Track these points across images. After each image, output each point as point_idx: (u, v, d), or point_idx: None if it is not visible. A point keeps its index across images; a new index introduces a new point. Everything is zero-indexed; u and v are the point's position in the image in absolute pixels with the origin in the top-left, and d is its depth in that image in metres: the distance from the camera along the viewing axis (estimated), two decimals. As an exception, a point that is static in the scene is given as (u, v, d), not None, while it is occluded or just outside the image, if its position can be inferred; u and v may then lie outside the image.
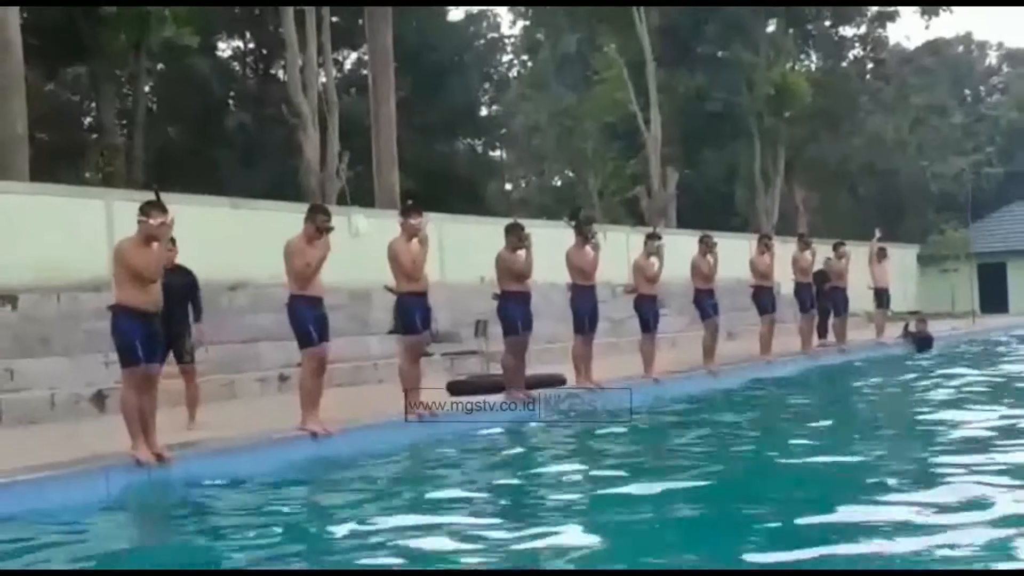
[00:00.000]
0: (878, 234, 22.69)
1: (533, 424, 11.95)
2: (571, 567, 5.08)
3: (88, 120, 40.68)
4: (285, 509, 7.95)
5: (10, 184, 15.57)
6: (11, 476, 8.02)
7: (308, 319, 10.02)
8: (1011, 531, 6.17)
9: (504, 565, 5.74)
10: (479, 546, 6.25)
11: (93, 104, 39.30)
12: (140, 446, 8.58)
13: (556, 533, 6.56)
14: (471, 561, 5.93)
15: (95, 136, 38.93)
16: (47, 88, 34.85)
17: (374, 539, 6.59)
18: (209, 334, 11.77)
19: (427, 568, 5.10)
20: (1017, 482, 7.62)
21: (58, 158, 33.55)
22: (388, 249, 11.27)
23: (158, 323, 8.81)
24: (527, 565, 5.91)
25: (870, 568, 4.90)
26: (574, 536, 6.47)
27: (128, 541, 7.53)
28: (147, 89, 38.94)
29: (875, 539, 6.08)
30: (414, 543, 6.35)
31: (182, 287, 10.85)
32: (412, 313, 11.24)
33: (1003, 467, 8.29)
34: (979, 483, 7.58)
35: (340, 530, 6.98)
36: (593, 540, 6.42)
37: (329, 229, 10.13)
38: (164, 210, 8.67)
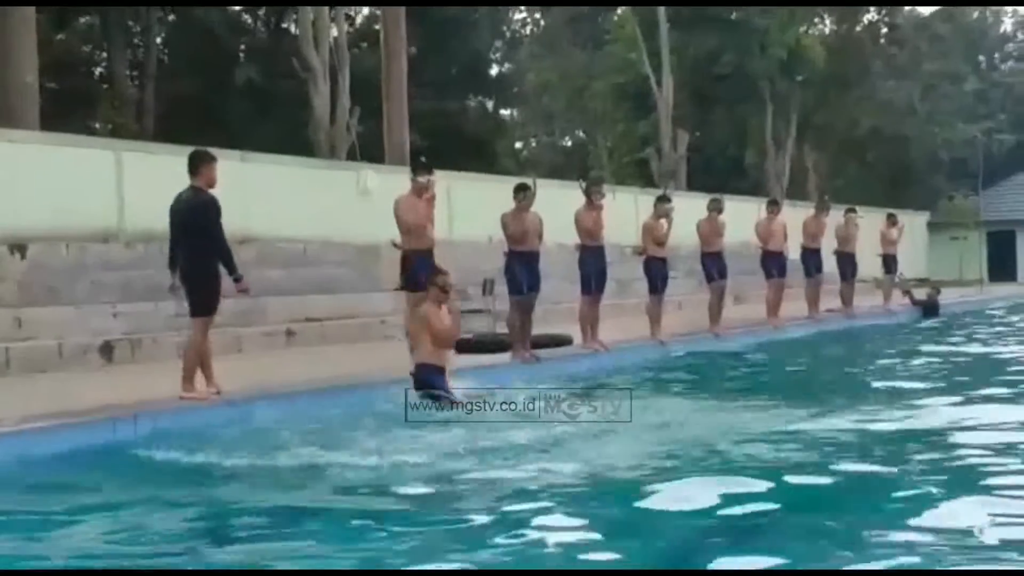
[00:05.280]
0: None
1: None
2: (572, 566, 5.10)
3: (99, 70, 40.58)
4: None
5: (20, 133, 15.54)
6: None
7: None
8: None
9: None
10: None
11: (104, 54, 39.24)
12: None
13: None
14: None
15: (106, 87, 38.88)
16: (58, 37, 34.73)
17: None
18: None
19: (427, 568, 5.13)
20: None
21: (68, 108, 33.46)
22: (393, 205, 11.28)
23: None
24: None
25: (868, 568, 4.92)
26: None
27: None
28: (158, 41, 38.85)
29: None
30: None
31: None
32: (416, 270, 11.24)
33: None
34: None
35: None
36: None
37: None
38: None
